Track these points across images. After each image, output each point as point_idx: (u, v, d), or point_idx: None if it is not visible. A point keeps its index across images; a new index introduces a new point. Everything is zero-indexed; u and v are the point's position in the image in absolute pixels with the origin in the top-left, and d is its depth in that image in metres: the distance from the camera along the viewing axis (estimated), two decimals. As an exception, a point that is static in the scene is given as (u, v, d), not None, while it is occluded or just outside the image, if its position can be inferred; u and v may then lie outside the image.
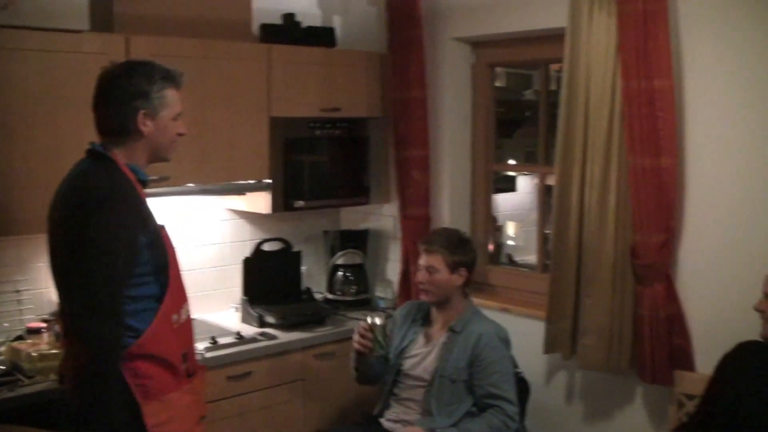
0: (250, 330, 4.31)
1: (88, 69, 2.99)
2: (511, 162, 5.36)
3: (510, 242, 5.45)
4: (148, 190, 2.84)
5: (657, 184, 3.51)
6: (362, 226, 5.12)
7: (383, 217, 5.02)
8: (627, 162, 3.58)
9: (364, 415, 4.02)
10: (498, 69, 4.88)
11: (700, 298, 3.57)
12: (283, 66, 4.32)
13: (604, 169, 3.66)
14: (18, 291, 3.92)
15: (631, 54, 3.51)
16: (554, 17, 3.92)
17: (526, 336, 4.07)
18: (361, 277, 4.94)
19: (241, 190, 4.35)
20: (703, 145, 3.52)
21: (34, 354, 3.52)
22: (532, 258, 4.79)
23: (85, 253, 2.51)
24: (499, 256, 5.11)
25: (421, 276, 3.77)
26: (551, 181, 4.01)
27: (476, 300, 4.10)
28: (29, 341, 3.68)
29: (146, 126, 2.71)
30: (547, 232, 4.31)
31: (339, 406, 4.42)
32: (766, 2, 3.31)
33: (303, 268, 4.85)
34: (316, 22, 4.94)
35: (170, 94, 2.77)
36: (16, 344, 3.66)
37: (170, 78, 2.77)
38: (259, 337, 4.20)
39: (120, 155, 2.71)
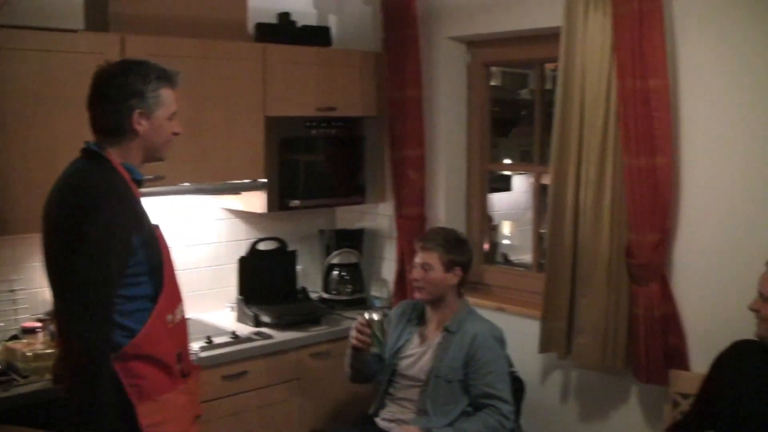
0: (245, 329, 4.31)
1: (84, 68, 2.98)
2: (507, 161, 5.36)
3: (505, 241, 5.45)
4: (143, 190, 2.83)
5: (652, 184, 3.51)
6: (358, 225, 5.12)
7: (379, 216, 5.02)
8: (622, 161, 3.58)
9: (359, 414, 4.01)
10: (493, 68, 4.89)
11: (695, 297, 3.58)
12: (279, 65, 4.32)
13: (600, 168, 3.67)
14: (13, 290, 3.91)
15: (626, 53, 3.51)
16: (550, 17, 3.92)
17: (521, 335, 4.07)
18: (356, 277, 4.94)
19: (236, 190, 4.35)
20: (698, 144, 3.53)
21: (29, 354, 3.52)
22: (527, 257, 4.79)
23: (78, 253, 2.51)
24: (495, 256, 5.11)
25: (415, 273, 3.78)
26: (547, 180, 4.01)
27: (471, 299, 4.10)
28: (24, 341, 3.68)
29: (141, 125, 2.70)
30: (542, 231, 4.32)
31: (334, 406, 4.43)
32: (762, 1, 3.31)
33: (298, 268, 4.85)
34: (312, 21, 4.95)
35: (165, 94, 2.76)
36: (11, 344, 3.65)
37: (165, 77, 2.77)
38: (255, 337, 4.20)
39: (115, 154, 2.70)
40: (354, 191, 4.78)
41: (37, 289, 3.93)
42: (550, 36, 3.96)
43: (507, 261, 5.20)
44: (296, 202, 4.46)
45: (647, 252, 3.55)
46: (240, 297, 4.53)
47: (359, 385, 4.12)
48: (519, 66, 5.36)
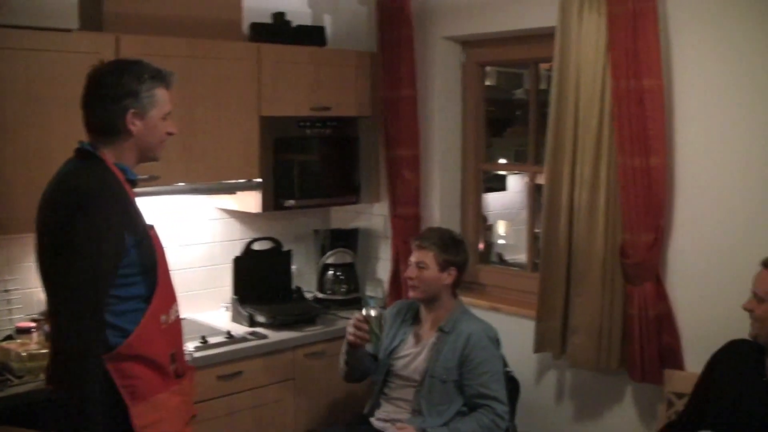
0: (240, 329, 4.31)
1: (79, 68, 2.97)
2: (502, 161, 5.37)
3: (500, 241, 5.45)
4: (137, 190, 2.83)
5: (646, 184, 3.52)
6: (352, 225, 5.12)
7: (373, 216, 5.03)
8: (616, 161, 3.59)
9: (354, 414, 4.01)
10: (488, 68, 4.89)
11: (689, 297, 3.58)
12: (273, 65, 4.32)
13: (594, 168, 3.67)
14: (7, 290, 3.91)
15: (620, 53, 3.52)
16: (544, 16, 3.92)
17: (516, 335, 4.07)
18: (351, 277, 4.94)
19: (231, 190, 4.35)
20: (692, 144, 3.53)
21: (23, 354, 3.51)
22: (522, 257, 4.79)
23: (70, 253, 2.50)
24: (490, 255, 5.12)
25: (410, 271, 3.78)
26: (541, 180, 4.02)
27: (466, 299, 4.11)
28: (19, 341, 3.67)
29: (135, 125, 2.69)
30: (537, 231, 4.32)
31: (329, 406, 4.43)
32: (755, 3, 3.32)
33: (293, 268, 4.85)
34: (306, 21, 4.94)
35: (160, 94, 2.75)
36: (5, 344, 3.65)
37: (160, 77, 2.75)
38: (250, 337, 4.19)
39: (109, 154, 2.69)
40: (349, 191, 4.78)
41: (31, 289, 3.92)
42: (544, 36, 3.97)
43: (502, 261, 5.21)
44: (291, 202, 4.46)
45: (642, 252, 3.56)
46: (235, 297, 4.53)
47: (354, 385, 4.12)
48: (514, 66, 5.36)
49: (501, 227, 5.48)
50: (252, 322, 4.38)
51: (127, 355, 2.59)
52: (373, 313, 3.67)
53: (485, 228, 5.02)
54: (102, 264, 2.52)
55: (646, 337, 3.59)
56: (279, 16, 4.63)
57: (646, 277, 3.58)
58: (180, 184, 4.05)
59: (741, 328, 3.08)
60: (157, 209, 4.25)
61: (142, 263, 2.65)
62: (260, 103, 4.28)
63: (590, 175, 3.68)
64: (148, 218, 2.78)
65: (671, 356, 3.60)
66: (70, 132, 3.00)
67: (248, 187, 4.32)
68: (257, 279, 4.63)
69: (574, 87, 3.73)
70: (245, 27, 4.51)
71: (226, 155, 4.17)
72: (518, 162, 5.20)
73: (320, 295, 4.91)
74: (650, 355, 3.60)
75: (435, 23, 4.57)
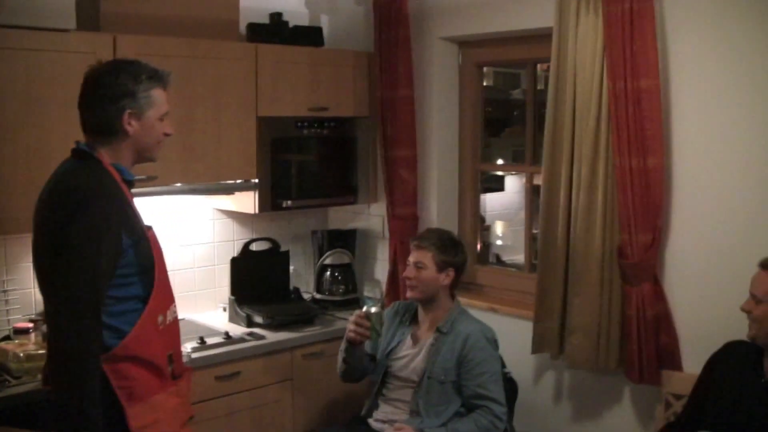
0: (238, 330, 4.31)
1: (76, 68, 2.97)
2: (500, 162, 5.37)
3: (498, 242, 5.45)
4: (135, 190, 2.82)
5: (644, 184, 3.52)
6: (350, 225, 5.12)
7: (371, 216, 5.02)
8: (614, 162, 3.59)
9: (352, 415, 4.01)
10: (486, 68, 4.89)
11: (687, 297, 3.58)
12: (271, 65, 4.32)
13: (592, 168, 3.67)
14: (5, 291, 3.91)
15: (617, 54, 3.51)
16: (541, 17, 3.93)
17: (513, 336, 4.07)
18: (349, 277, 4.94)
19: (228, 190, 4.35)
20: (689, 144, 3.53)
21: (21, 354, 3.51)
22: (520, 258, 4.79)
23: (67, 253, 2.50)
24: (487, 256, 5.12)
25: (408, 271, 3.78)
26: (539, 180, 4.02)
27: (464, 300, 4.11)
28: (16, 341, 3.67)
29: (131, 126, 2.69)
30: (534, 231, 4.32)
31: (327, 406, 4.42)
32: (753, 3, 3.32)
33: (291, 268, 4.85)
34: (304, 21, 4.94)
35: (157, 94, 2.74)
36: (3, 344, 3.64)
37: (157, 78, 2.75)
38: (247, 337, 4.19)
39: (105, 155, 2.69)
40: (346, 191, 4.78)
41: (29, 290, 3.93)
42: (542, 36, 3.97)
43: (499, 261, 5.20)
44: (288, 203, 4.46)
45: (639, 252, 3.56)
46: (232, 297, 4.52)
47: (353, 386, 4.12)
48: (511, 66, 5.36)
49: (499, 228, 5.48)
50: (250, 323, 4.38)
51: (123, 356, 2.59)
52: (373, 309, 3.67)
53: (483, 228, 5.02)
54: (101, 263, 2.52)
55: (644, 338, 3.58)
56: (276, 17, 4.63)
57: (643, 278, 3.58)
58: (178, 184, 4.05)
59: (739, 328, 3.08)
60: (155, 209, 4.25)
61: (140, 264, 2.64)
62: (258, 104, 4.28)
63: (588, 176, 3.68)
64: (146, 219, 2.78)
65: (669, 357, 3.60)
66: (68, 132, 3.00)
67: (246, 187, 4.32)
68: (255, 279, 4.63)
69: (572, 87, 3.73)
70: (242, 27, 4.51)
71: (224, 155, 4.17)
72: (516, 162, 5.20)
73: (318, 296, 4.91)
74: (648, 356, 3.60)
75: (432, 24, 4.57)
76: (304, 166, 4.60)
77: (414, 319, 3.87)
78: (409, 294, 3.80)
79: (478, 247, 4.83)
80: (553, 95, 3.80)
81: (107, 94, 2.66)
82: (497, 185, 5.65)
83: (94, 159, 2.67)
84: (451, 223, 4.63)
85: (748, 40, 3.33)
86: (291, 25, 4.65)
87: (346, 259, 4.94)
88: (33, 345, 3.62)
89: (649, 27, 3.47)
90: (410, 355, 3.75)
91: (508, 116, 5.61)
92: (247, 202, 4.40)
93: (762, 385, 3.00)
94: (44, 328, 3.54)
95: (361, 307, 3.72)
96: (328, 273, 4.92)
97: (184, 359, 3.06)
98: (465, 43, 4.62)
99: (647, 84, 3.48)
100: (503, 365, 3.80)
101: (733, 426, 3.01)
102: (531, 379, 4.20)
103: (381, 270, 4.95)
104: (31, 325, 3.73)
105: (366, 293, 4.97)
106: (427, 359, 3.68)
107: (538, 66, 4.48)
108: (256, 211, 4.39)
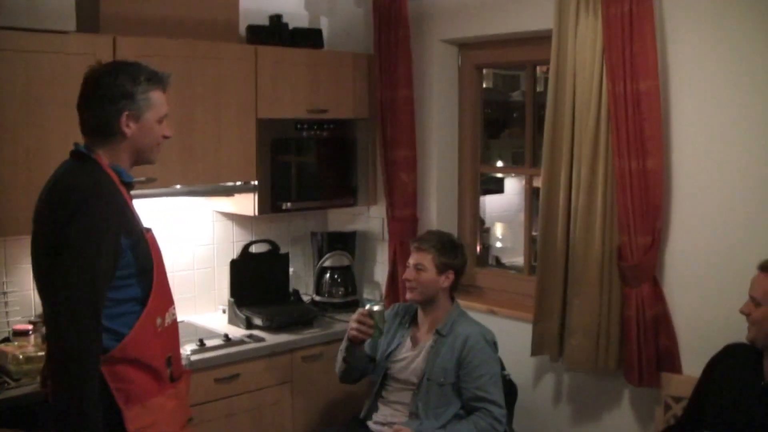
0: (237, 332, 4.30)
1: (76, 70, 2.97)
2: (499, 163, 5.36)
3: (498, 244, 5.45)
4: (135, 191, 2.82)
5: (643, 186, 3.52)
6: (350, 227, 5.12)
7: (371, 218, 5.02)
8: (613, 164, 3.59)
9: (351, 417, 4.01)
10: (485, 70, 4.89)
11: (686, 299, 3.58)
12: (270, 67, 4.32)
13: (591, 170, 3.67)
14: (4, 293, 3.90)
15: (617, 56, 3.51)
16: (541, 19, 3.93)
17: (513, 338, 4.07)
18: (348, 279, 4.94)
19: (228, 192, 4.35)
20: (689, 146, 3.53)
21: (20, 356, 3.51)
22: (519, 260, 4.78)
23: (69, 252, 2.49)
24: (487, 258, 5.11)
25: (408, 273, 3.78)
26: (538, 182, 4.01)
27: (463, 302, 4.10)
28: (15, 343, 3.67)
29: (129, 128, 2.67)
30: (534, 234, 4.32)
31: (326, 409, 4.42)
32: (752, 5, 3.32)
33: (290, 270, 4.85)
34: (303, 23, 4.94)
35: (155, 96, 2.73)
36: (2, 346, 3.64)
37: (156, 79, 2.74)
38: (247, 339, 4.19)
39: (104, 156, 2.68)
40: (346, 193, 4.78)
41: (28, 292, 3.93)
42: (541, 38, 3.97)
43: (499, 263, 5.20)
44: (288, 205, 4.47)
45: (638, 254, 3.56)
46: (232, 299, 4.52)
47: (352, 388, 4.12)
48: (511, 68, 5.36)
49: (498, 230, 5.48)
50: (249, 325, 4.38)
51: (121, 359, 2.58)
52: (376, 308, 3.68)
53: (482, 230, 5.01)
54: (101, 263, 2.51)
55: (643, 339, 3.58)
56: (276, 19, 4.62)
57: (643, 279, 3.58)
58: (177, 186, 4.04)
59: (738, 330, 3.09)
60: (155, 211, 4.26)
61: (138, 265, 2.63)
62: (257, 105, 4.28)
63: (587, 178, 3.67)
64: (146, 220, 2.78)
65: (668, 359, 3.60)
66: (68, 134, 3.00)
67: (245, 189, 4.32)
68: (254, 281, 4.63)
69: (571, 89, 3.73)
70: (242, 29, 4.51)
71: (224, 157, 4.17)
72: (516, 163, 5.20)
73: (317, 298, 4.91)
74: (647, 358, 3.59)
75: (432, 26, 4.57)
76: (303, 167, 4.61)
77: (413, 321, 3.87)
78: (408, 296, 3.80)
79: (478, 249, 4.83)
80: (553, 97, 3.80)
81: (105, 95, 2.65)
82: (497, 187, 5.65)
83: (93, 160, 2.66)
84: (450, 225, 4.63)
85: (747, 40, 3.33)
86: (291, 27, 4.65)
87: (345, 261, 4.93)
88: (32, 347, 3.62)
89: (648, 28, 3.47)
90: (410, 357, 3.75)
91: (508, 118, 5.60)
92: (246, 204, 4.40)
93: (762, 388, 3.00)
94: (43, 330, 3.54)
95: (365, 306, 3.72)
96: (328, 275, 4.92)
97: (184, 361, 3.06)
98: (464, 45, 4.62)
99: (647, 85, 3.48)
100: (503, 367, 3.80)
101: (734, 428, 3.01)
102: (530, 381, 4.19)
103: (380, 272, 4.95)
104: (30, 327, 3.73)
105: (366, 295, 4.97)
106: (426, 361, 3.68)
107: (538, 68, 4.48)
108: (256, 213, 4.39)
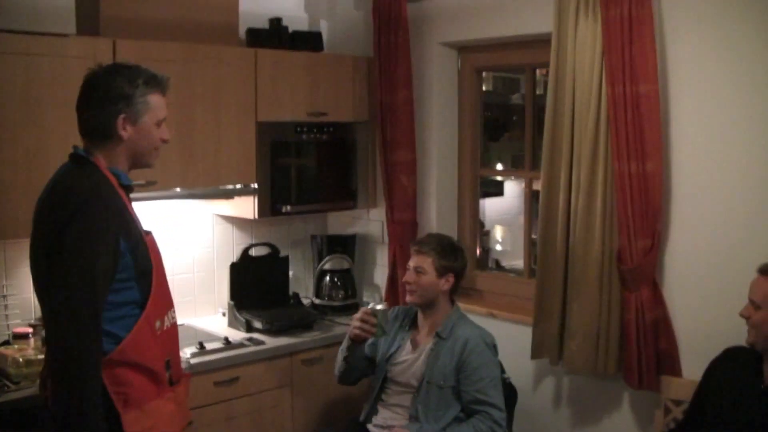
0: (237, 335, 4.30)
1: (76, 73, 2.97)
2: (499, 166, 5.36)
3: (497, 247, 5.45)
4: (134, 195, 2.81)
5: (643, 189, 3.52)
6: (349, 230, 5.12)
7: (370, 221, 5.02)
8: (613, 166, 3.59)
9: (351, 420, 4.01)
10: (485, 73, 4.89)
11: (686, 302, 3.58)
12: (270, 70, 4.32)
13: (591, 173, 3.67)
14: (4, 296, 3.90)
15: (616, 59, 3.52)
16: (540, 22, 3.93)
17: (513, 341, 4.07)
18: (348, 282, 4.94)
19: (228, 195, 4.35)
20: (688, 148, 3.53)
21: (20, 359, 3.50)
22: (519, 263, 4.78)
23: (68, 254, 2.49)
24: (487, 261, 5.11)
25: (408, 276, 3.77)
26: (538, 185, 4.01)
27: (463, 305, 4.10)
28: (15, 346, 3.66)
29: (126, 131, 2.66)
30: (534, 237, 4.32)
31: (326, 412, 4.42)
32: (752, 7, 3.32)
33: (290, 273, 4.85)
34: (303, 26, 4.95)
35: (154, 99, 2.72)
36: (2, 349, 3.64)
37: (155, 83, 2.73)
38: (247, 342, 4.19)
39: (102, 159, 2.67)
40: (346, 196, 4.78)
41: (28, 295, 3.92)
42: (541, 41, 3.98)
43: (499, 266, 5.20)
44: (288, 208, 4.47)
45: (638, 257, 3.56)
46: (231, 302, 4.52)
47: (352, 391, 4.13)
48: (510, 71, 5.36)
49: (498, 233, 5.48)
50: (249, 328, 4.37)
51: (120, 362, 2.57)
52: (379, 307, 3.69)
53: (482, 233, 5.01)
54: (100, 265, 2.51)
55: (642, 342, 3.58)
56: (276, 22, 4.63)
57: (642, 282, 3.58)
58: (177, 189, 4.04)
59: (738, 333, 3.08)
60: (154, 214, 4.25)
61: (137, 268, 2.63)
62: (257, 108, 4.28)
63: (587, 181, 3.68)
64: (146, 223, 2.78)
65: (668, 362, 3.60)
66: (67, 136, 2.99)
67: (245, 192, 4.32)
68: (254, 285, 4.62)
69: (571, 92, 3.73)
70: (242, 32, 4.51)
71: (223, 160, 4.17)
72: (515, 166, 5.20)
73: (317, 301, 4.91)
74: (647, 361, 3.59)
75: (431, 29, 4.58)
76: (303, 170, 4.61)
77: (413, 324, 3.87)
78: (408, 299, 3.80)
79: (478, 252, 4.83)
80: (552, 100, 3.81)
81: (103, 97, 2.64)
82: (496, 190, 5.65)
83: (91, 163, 2.66)
84: (450, 228, 4.63)
85: (747, 41, 3.33)
86: (290, 29, 4.66)
87: (345, 264, 4.93)
88: (32, 350, 3.62)
89: (647, 31, 3.47)
90: (409, 360, 3.75)
91: (508, 121, 5.61)
92: (246, 207, 4.40)
93: (762, 391, 2.99)
94: (43, 333, 3.54)
95: (370, 304, 3.72)
96: (328, 278, 4.91)
97: (183, 365, 3.06)
98: (464, 48, 4.63)
99: (646, 88, 3.48)
100: (502, 370, 3.80)
101: (734, 431, 3.01)
102: (530, 384, 4.19)
103: (380, 275, 4.95)
104: (30, 330, 3.73)
105: (365, 298, 4.97)
106: (426, 364, 3.68)
107: (537, 70, 4.48)
108: (256, 216, 4.39)
